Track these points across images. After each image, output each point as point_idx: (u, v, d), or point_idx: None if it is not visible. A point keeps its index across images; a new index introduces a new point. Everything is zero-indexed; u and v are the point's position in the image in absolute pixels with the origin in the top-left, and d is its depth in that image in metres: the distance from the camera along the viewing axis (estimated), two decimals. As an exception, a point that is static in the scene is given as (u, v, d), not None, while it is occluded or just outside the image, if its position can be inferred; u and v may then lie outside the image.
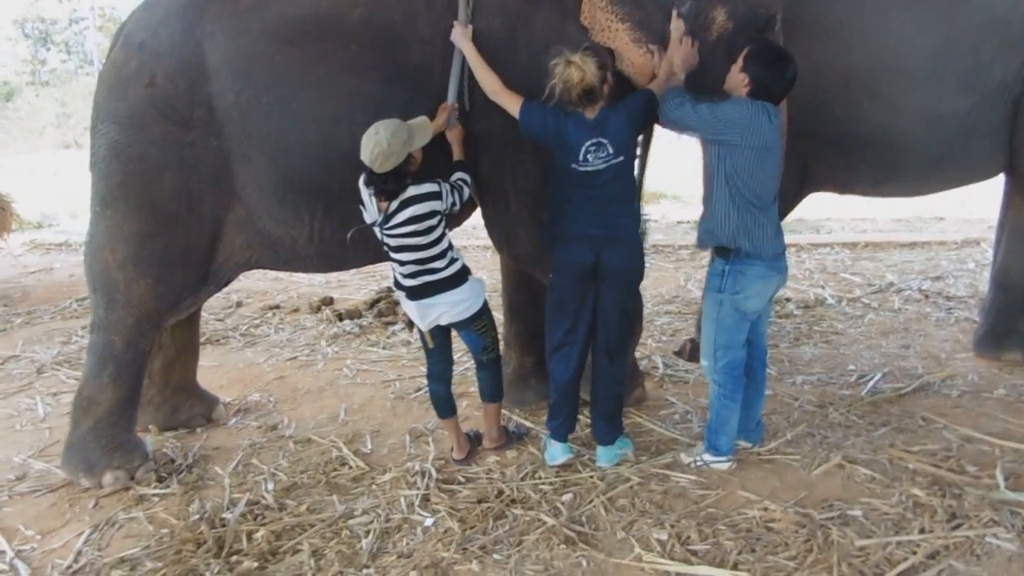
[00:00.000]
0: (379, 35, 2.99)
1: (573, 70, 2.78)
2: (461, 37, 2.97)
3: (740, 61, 2.87)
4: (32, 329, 5.46)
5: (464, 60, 3.00)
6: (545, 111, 2.91)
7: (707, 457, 3.10)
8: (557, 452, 3.15)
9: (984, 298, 4.38)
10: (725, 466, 3.07)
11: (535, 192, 3.15)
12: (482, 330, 3.14)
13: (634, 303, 3.24)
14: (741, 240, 2.89)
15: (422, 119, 2.91)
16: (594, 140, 2.88)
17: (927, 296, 5.35)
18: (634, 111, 2.94)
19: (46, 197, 10.92)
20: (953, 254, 6.63)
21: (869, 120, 3.64)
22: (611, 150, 2.90)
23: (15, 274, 7.27)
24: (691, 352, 4.24)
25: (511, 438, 3.38)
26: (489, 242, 3.52)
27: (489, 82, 2.96)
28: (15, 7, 25.57)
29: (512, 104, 2.93)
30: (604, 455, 3.14)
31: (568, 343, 3.07)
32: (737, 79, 2.87)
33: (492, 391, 3.27)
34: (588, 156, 2.89)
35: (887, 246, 7.05)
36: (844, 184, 4.02)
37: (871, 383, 3.85)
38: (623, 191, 3.01)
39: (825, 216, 8.37)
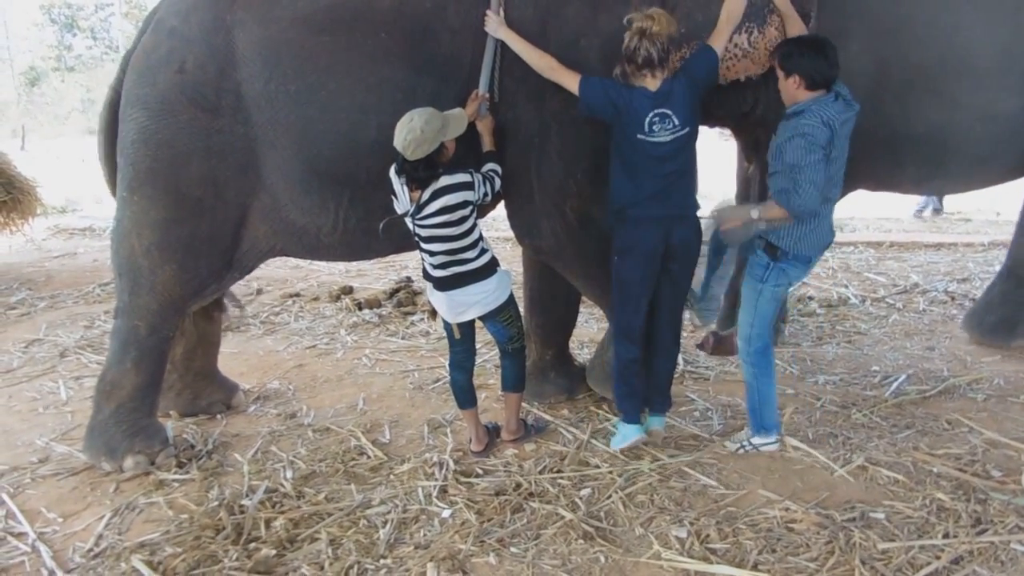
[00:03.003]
0: (409, 24, 2.97)
1: (652, 21, 2.76)
2: (499, 26, 2.94)
3: (779, 71, 2.85)
4: (55, 313, 5.51)
5: (496, 50, 2.98)
6: (606, 84, 2.88)
7: (756, 440, 3.15)
8: (631, 432, 3.15)
9: (992, 287, 4.42)
10: (774, 447, 3.13)
11: (559, 184, 3.13)
12: (508, 321, 3.13)
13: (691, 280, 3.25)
14: (799, 246, 2.92)
15: (458, 110, 2.90)
16: (659, 111, 2.84)
17: (953, 298, 5.28)
18: (696, 75, 2.90)
19: (71, 182, 11.03)
20: (980, 256, 6.53)
21: (927, 118, 3.59)
22: (677, 121, 2.86)
23: (39, 258, 7.35)
24: (714, 345, 4.22)
25: (529, 431, 3.37)
26: (509, 234, 3.51)
27: (543, 61, 2.93)
28: (43, -7, 25.86)
29: (571, 80, 2.90)
30: (658, 422, 3.25)
31: (636, 325, 3.09)
32: (788, 87, 2.84)
33: (515, 380, 3.26)
34: (654, 127, 2.85)
35: (912, 246, 6.96)
36: (887, 182, 3.97)
37: (895, 384, 3.80)
38: (688, 165, 2.97)
39: (849, 215, 8.27)
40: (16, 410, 3.84)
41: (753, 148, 3.50)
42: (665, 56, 2.82)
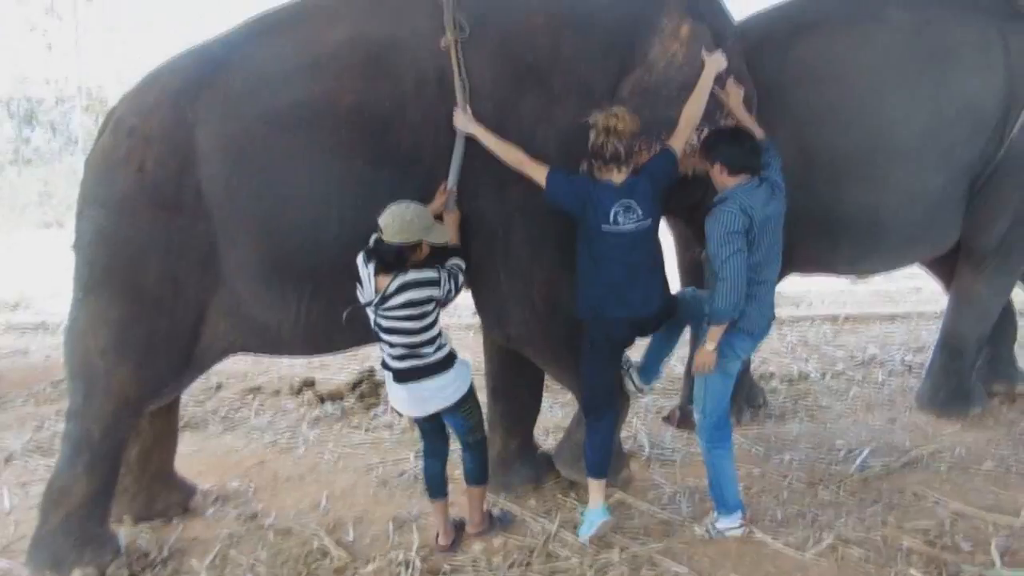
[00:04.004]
0: (369, 121, 3.03)
1: (616, 119, 2.89)
2: (469, 122, 3.02)
3: (705, 160, 3.01)
4: (3, 415, 5.29)
5: (464, 145, 3.05)
6: (572, 178, 2.99)
7: (720, 525, 3.13)
8: (597, 516, 3.14)
9: (932, 363, 4.50)
10: (739, 531, 3.10)
11: (526, 272, 3.17)
12: (467, 412, 3.11)
13: None
14: (742, 322, 2.99)
15: (447, 228, 2.96)
16: (623, 201, 2.94)
17: (910, 368, 5.37)
18: (657, 174, 3.01)
19: (25, 277, 10.81)
20: (933, 325, 6.62)
21: (858, 200, 3.75)
22: (640, 212, 2.96)
23: (-12, 357, 7.12)
24: (680, 419, 4.23)
25: (495, 523, 3.30)
26: (472, 321, 3.53)
27: (512, 155, 3.00)
28: (2, 86, 25.86)
29: (539, 173, 2.98)
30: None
31: (608, 402, 3.21)
32: (715, 174, 3.00)
33: (477, 474, 3.21)
34: (618, 218, 2.94)
35: (868, 319, 7.09)
36: (824, 264, 4.10)
37: (859, 459, 3.83)
38: (652, 254, 3.08)
39: (804, 290, 8.44)
40: (-44, 521, 3.65)
41: (703, 237, 3.64)
42: (630, 151, 2.95)
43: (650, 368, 3.42)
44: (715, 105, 3.14)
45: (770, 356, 5.64)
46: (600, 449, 3.19)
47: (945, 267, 4.45)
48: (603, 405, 3.19)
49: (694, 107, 3.04)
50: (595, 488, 3.18)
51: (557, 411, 4.77)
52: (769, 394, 4.88)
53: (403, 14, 3.15)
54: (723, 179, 2.98)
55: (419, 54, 3.07)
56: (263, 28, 3.20)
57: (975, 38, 3.80)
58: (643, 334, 3.31)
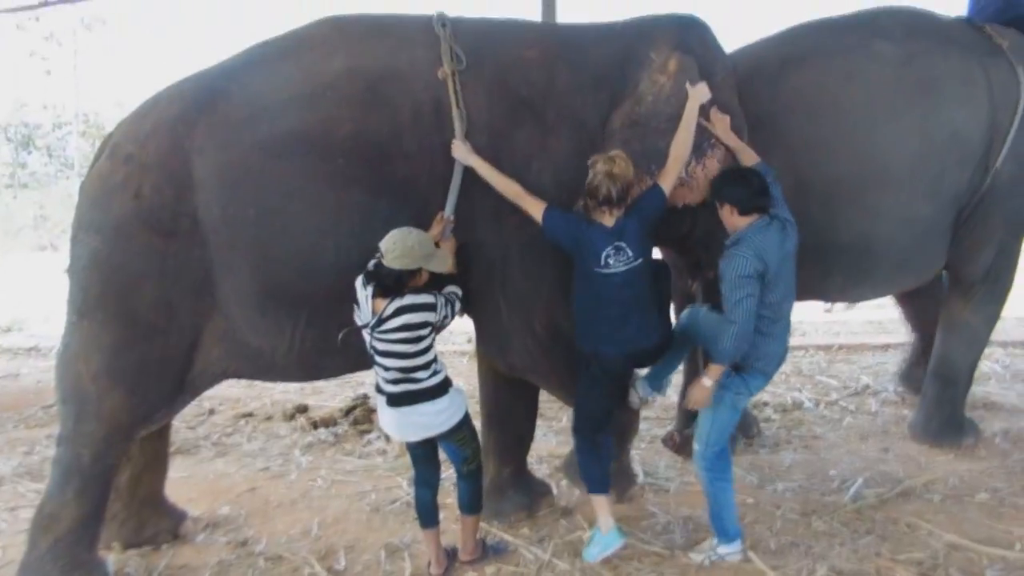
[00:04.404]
0: (366, 150, 3.05)
1: (613, 164, 2.95)
2: (468, 154, 3.06)
3: (715, 201, 3.04)
4: (-7, 439, 5.28)
5: (462, 175, 3.08)
6: (567, 217, 3.04)
7: (720, 550, 3.12)
8: (612, 541, 3.14)
9: (924, 393, 4.52)
10: (738, 557, 3.10)
11: (526, 301, 3.20)
12: (462, 441, 3.10)
13: None
14: (758, 363, 3.02)
15: (447, 256, 2.97)
16: (615, 244, 2.98)
17: (903, 398, 5.38)
18: (645, 211, 3.05)
19: (18, 300, 10.79)
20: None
21: (851, 228, 3.81)
22: (631, 254, 3.00)
23: (-21, 381, 7.09)
24: (679, 444, 4.19)
25: (488, 552, 3.28)
26: (466, 348, 3.53)
27: (510, 188, 3.05)
28: (0, 111, 26.02)
29: (536, 209, 3.03)
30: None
31: (597, 427, 3.21)
32: (725, 215, 3.03)
33: (471, 503, 3.20)
34: (609, 260, 2.99)
35: (861, 348, 7.13)
36: (816, 291, 4.12)
37: (853, 489, 3.82)
38: (644, 291, 3.09)
39: (798, 319, 8.45)
40: (-57, 547, 3.62)
41: (696, 267, 3.67)
42: (623, 195, 2.99)
43: (656, 378, 3.41)
44: (703, 137, 3.17)
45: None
46: (595, 466, 3.20)
47: (912, 299, 4.81)
48: (590, 429, 3.21)
49: (681, 142, 3.08)
50: (600, 506, 3.18)
51: (551, 438, 4.77)
52: (763, 423, 4.89)
53: (401, 45, 3.20)
54: (734, 220, 3.00)
55: (416, 84, 3.11)
56: (261, 57, 3.25)
57: (959, 71, 3.90)
58: (640, 366, 3.33)
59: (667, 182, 3.06)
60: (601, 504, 3.18)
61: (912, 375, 5.12)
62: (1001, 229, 4.03)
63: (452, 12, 3.28)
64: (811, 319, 8.54)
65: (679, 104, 3.12)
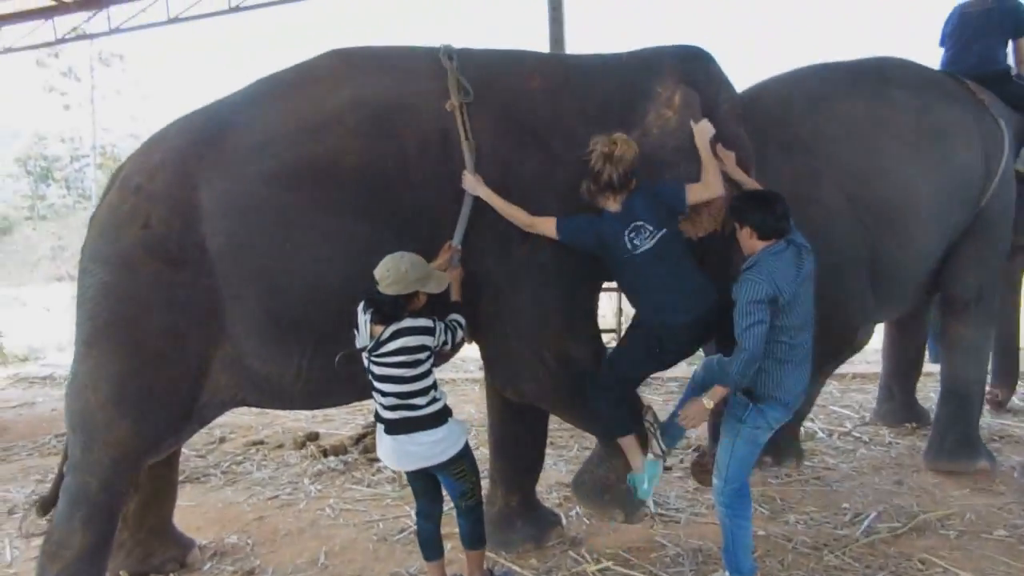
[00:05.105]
0: (372, 180, 3.08)
1: (614, 146, 2.97)
2: (477, 184, 3.07)
3: (735, 222, 3.03)
4: (7, 466, 5.31)
5: (471, 205, 3.09)
6: (579, 220, 3.06)
7: None
8: (652, 468, 3.12)
9: (938, 417, 4.67)
10: None
11: (535, 330, 3.18)
12: (460, 475, 3.03)
13: None
14: (776, 392, 2.96)
15: (444, 274, 2.98)
16: (633, 225, 2.99)
17: (917, 428, 5.32)
18: (656, 189, 3.06)
19: (35, 330, 10.91)
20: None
21: (885, 254, 4.13)
22: (650, 228, 3.00)
23: (-5, 408, 7.15)
24: (695, 462, 4.10)
25: (496, 584, 3.24)
26: (476, 375, 3.52)
27: (521, 216, 3.07)
28: (21, 145, 26.54)
29: (548, 227, 3.05)
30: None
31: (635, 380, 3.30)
32: (743, 237, 3.01)
33: (473, 539, 3.15)
34: (634, 241, 2.99)
35: (875, 377, 7.01)
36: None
37: (866, 522, 3.77)
38: (684, 258, 3.08)
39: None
40: (-45, 574, 3.63)
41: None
42: (626, 180, 3.01)
43: (674, 432, 3.33)
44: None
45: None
46: (616, 409, 3.17)
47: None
48: (619, 389, 3.18)
49: (711, 179, 3.08)
50: (628, 445, 3.16)
51: (561, 467, 4.74)
52: (775, 454, 4.82)
53: (407, 76, 3.25)
54: (751, 243, 2.99)
55: (423, 115, 3.15)
56: (268, 89, 3.30)
57: (960, 121, 4.35)
58: (706, 337, 3.26)
59: (695, 194, 3.07)
60: (629, 443, 3.16)
61: (887, 411, 5.57)
62: (986, 253, 4.46)
63: (458, 44, 3.33)
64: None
65: (685, 137, 3.15)
